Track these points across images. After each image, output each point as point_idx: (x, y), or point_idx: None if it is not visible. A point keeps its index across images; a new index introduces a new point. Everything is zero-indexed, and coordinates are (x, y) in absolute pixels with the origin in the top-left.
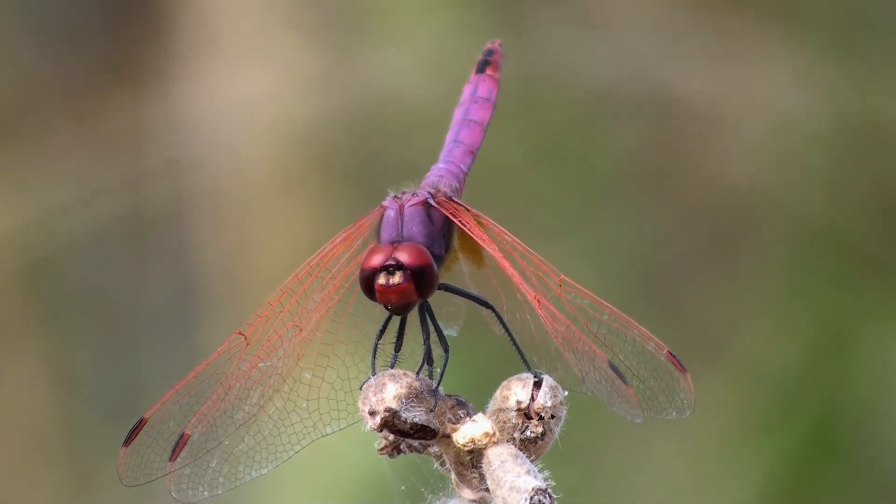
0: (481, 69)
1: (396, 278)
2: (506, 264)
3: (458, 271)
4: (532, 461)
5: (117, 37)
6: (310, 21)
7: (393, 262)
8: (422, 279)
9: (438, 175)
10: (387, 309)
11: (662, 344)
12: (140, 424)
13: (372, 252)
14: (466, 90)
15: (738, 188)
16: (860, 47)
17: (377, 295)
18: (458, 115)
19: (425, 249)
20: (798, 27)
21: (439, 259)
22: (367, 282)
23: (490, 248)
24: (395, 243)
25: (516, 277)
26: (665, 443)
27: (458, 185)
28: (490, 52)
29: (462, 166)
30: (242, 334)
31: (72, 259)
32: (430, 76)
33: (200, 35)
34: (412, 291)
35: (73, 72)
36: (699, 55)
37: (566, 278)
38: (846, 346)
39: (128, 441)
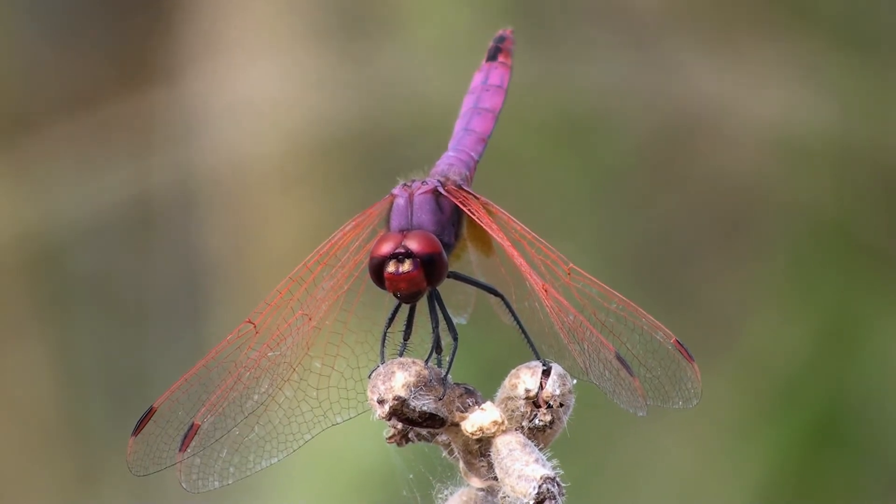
0: (493, 57)
1: (406, 266)
2: (514, 253)
3: (467, 260)
4: (541, 449)
5: (125, 30)
6: (317, 16)
7: (402, 250)
8: (431, 267)
9: (448, 163)
10: (396, 297)
11: (670, 333)
12: (149, 413)
13: (381, 240)
14: (477, 78)
15: (745, 180)
16: (866, 40)
17: (386, 283)
18: (468, 103)
19: (434, 237)
20: (804, 21)
21: (448, 247)
22: (377, 270)
23: (499, 237)
24: (405, 231)
25: (524, 266)
26: (672, 433)
27: (468, 174)
28: (501, 39)
29: (473, 154)
30: (252, 322)
31: (78, 250)
32: (440, 71)
33: (208, 29)
34: (422, 279)
35: (80, 64)
36: (706, 50)
37: (575, 267)
38: (852, 336)
39: (137, 430)
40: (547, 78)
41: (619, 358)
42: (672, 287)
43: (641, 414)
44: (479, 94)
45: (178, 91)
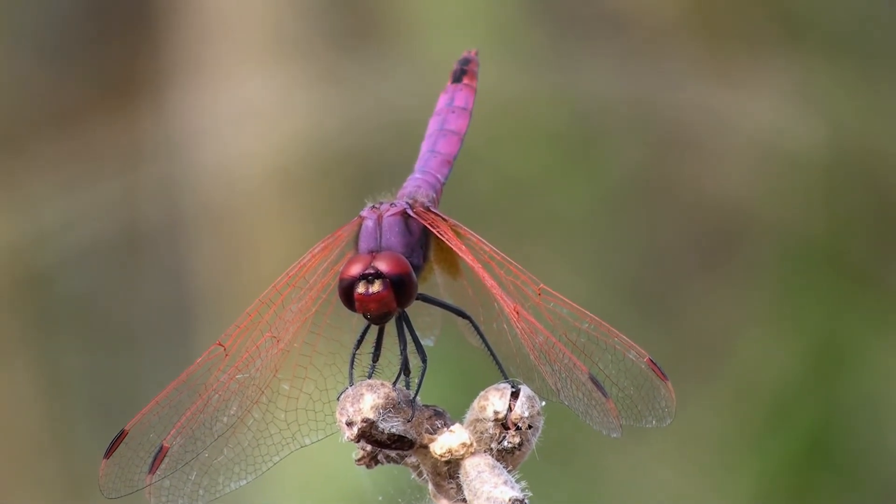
0: (458, 78)
1: (376, 287)
2: (484, 275)
3: (433, 282)
4: (509, 471)
5: (111, 52)
6: (304, 34)
7: (372, 271)
8: (401, 288)
9: (416, 185)
10: (366, 318)
11: (643, 352)
12: (121, 436)
13: (351, 261)
14: (442, 100)
15: (734, 200)
16: (854, 64)
17: (356, 304)
18: (433, 125)
19: (404, 258)
20: (793, 46)
21: (417, 269)
22: (347, 291)
23: (468, 259)
24: (374, 252)
25: (495, 289)
26: (660, 456)
27: (435, 196)
28: (466, 62)
29: (439, 176)
30: (222, 345)
31: (66, 273)
32: (431, 90)
33: (194, 51)
34: (391, 300)
35: (66, 87)
36: (695, 75)
37: (545, 287)
38: (841, 358)
39: (109, 452)
40: (541, 97)
41: (592, 379)
42: (660, 309)
43: (615, 435)
44: (444, 116)
45: (164, 111)
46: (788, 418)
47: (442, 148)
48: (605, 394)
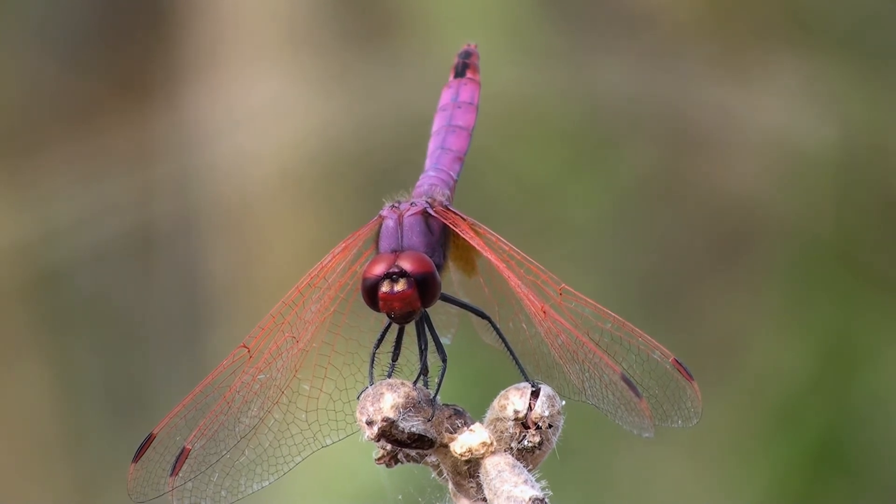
0: (461, 73)
1: (400, 285)
2: (510, 275)
3: (448, 280)
4: (529, 470)
5: (124, 51)
6: (317, 34)
7: (397, 270)
8: (425, 287)
9: (430, 184)
10: (389, 317)
11: (668, 352)
12: (149, 440)
13: (374, 261)
14: (446, 94)
15: (746, 200)
16: (866, 63)
17: (381, 303)
18: (440, 120)
19: (427, 258)
20: (805, 45)
21: (439, 268)
22: (371, 290)
23: (494, 260)
24: (397, 252)
25: (522, 289)
26: (672, 455)
27: (449, 193)
28: (468, 55)
29: (452, 173)
30: (246, 347)
31: (78, 272)
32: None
33: (207, 49)
34: (416, 299)
35: (79, 85)
36: (708, 74)
37: (567, 287)
38: (852, 359)
39: (137, 457)
40: (554, 96)
41: (625, 379)
42: (672, 309)
43: (647, 435)
44: (451, 112)
45: (178, 109)
46: (800, 418)
47: (452, 145)
48: (637, 394)
